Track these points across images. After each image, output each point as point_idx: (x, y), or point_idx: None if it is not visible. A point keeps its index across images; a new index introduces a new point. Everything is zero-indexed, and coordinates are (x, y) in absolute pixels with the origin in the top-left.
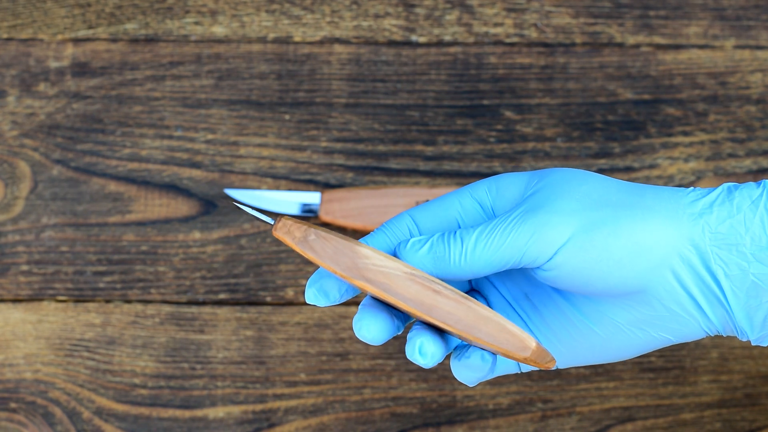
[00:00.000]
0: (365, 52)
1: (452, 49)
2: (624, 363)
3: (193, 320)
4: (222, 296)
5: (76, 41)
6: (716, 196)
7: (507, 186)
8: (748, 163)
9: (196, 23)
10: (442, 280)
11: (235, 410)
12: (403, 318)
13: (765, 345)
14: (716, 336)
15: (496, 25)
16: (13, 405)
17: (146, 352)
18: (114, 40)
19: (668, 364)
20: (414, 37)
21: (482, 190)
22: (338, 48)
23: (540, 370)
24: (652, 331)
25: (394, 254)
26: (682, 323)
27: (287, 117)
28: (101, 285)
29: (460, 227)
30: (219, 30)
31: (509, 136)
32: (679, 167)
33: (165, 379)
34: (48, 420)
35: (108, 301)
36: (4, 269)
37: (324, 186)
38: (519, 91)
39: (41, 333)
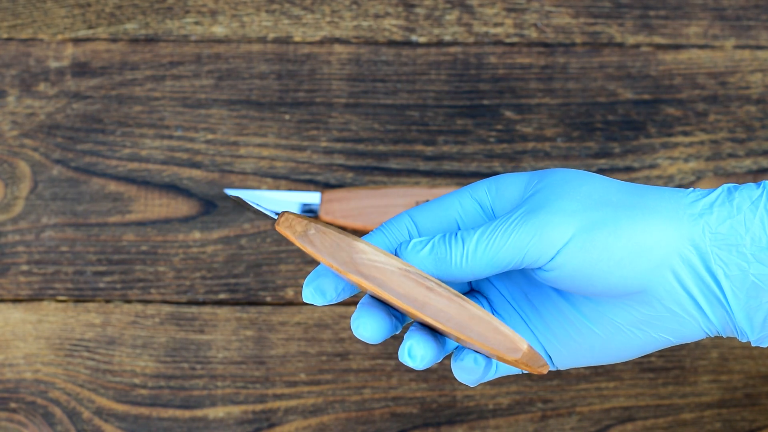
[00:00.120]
0: (365, 52)
1: (452, 49)
2: (624, 363)
3: (193, 320)
4: (222, 296)
5: (76, 41)
6: (716, 197)
7: (507, 186)
8: (748, 163)
9: (196, 23)
10: (443, 281)
11: (235, 410)
12: (401, 318)
13: (765, 346)
14: (716, 337)
15: (496, 25)
16: (13, 405)
17: (146, 352)
18: (114, 40)
19: (668, 364)
20: (414, 37)
21: (482, 191)
22: (338, 48)
23: None
24: (652, 332)
25: (395, 254)
26: (682, 324)
27: (287, 117)
28: (101, 285)
29: (459, 228)
30: (219, 30)
31: (509, 136)
32: (679, 167)
33: (165, 379)
34: (48, 420)
35: (108, 301)
36: (4, 269)
37: (324, 186)
38: (519, 91)
39: (41, 333)
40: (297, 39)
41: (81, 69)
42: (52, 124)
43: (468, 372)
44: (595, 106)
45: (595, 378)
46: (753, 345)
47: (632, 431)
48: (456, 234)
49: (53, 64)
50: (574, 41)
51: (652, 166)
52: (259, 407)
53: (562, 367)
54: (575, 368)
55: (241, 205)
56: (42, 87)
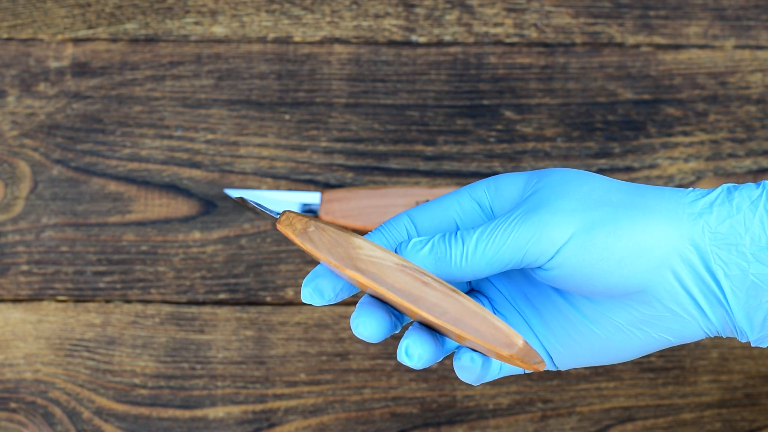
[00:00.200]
0: (365, 52)
1: (452, 49)
2: (624, 363)
3: (193, 320)
4: (222, 296)
5: (76, 41)
6: (716, 197)
7: (506, 186)
8: (748, 163)
9: (196, 23)
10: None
11: (235, 410)
12: (401, 317)
13: (765, 346)
14: (716, 337)
15: (496, 25)
16: (13, 405)
17: (146, 352)
18: (114, 40)
19: (668, 364)
20: (414, 37)
21: (481, 191)
22: (338, 48)
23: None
24: (652, 332)
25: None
26: (681, 323)
27: (287, 117)
28: (101, 285)
29: (458, 228)
30: (219, 30)
31: (509, 136)
32: (679, 167)
33: (165, 379)
34: (48, 420)
35: (108, 301)
36: (4, 269)
37: (324, 186)
38: (519, 91)
39: (41, 333)
40: (297, 39)
41: (81, 69)
42: (52, 124)
43: (466, 371)
44: (595, 106)
45: (595, 378)
46: (753, 345)
47: (632, 431)
48: (456, 233)
49: (53, 64)
50: (574, 41)
51: (652, 166)
52: (259, 407)
53: (562, 368)
54: (575, 368)
55: (244, 206)
56: (42, 87)
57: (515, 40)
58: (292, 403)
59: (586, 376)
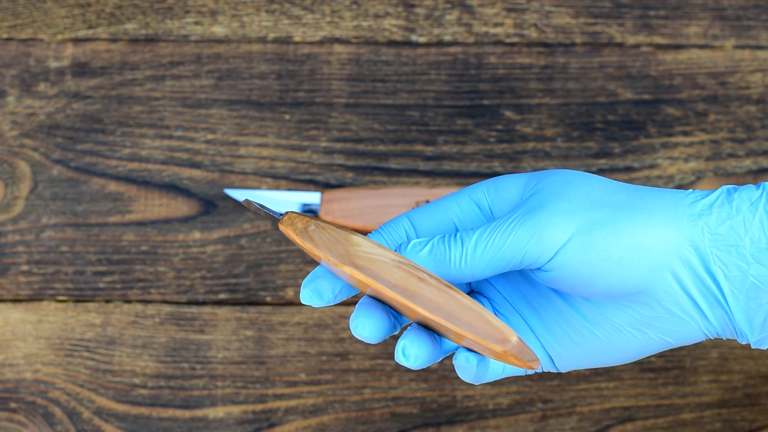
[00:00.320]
0: (365, 52)
1: (452, 49)
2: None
3: (193, 320)
4: (222, 296)
5: (76, 41)
6: (715, 198)
7: (505, 188)
8: (748, 163)
9: (196, 23)
10: None
11: (235, 410)
12: (400, 318)
13: (765, 348)
14: (716, 339)
15: (496, 25)
16: (13, 405)
17: (146, 352)
18: (114, 40)
19: (668, 364)
20: (414, 37)
21: (480, 192)
22: (338, 48)
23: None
24: (652, 333)
25: None
26: (681, 325)
27: (287, 117)
28: (101, 285)
29: (457, 229)
30: (219, 30)
31: (509, 136)
32: (679, 167)
33: (165, 379)
34: (48, 420)
35: (108, 301)
36: (4, 269)
37: (324, 186)
38: (519, 91)
39: (41, 333)
40: (297, 39)
41: (81, 69)
42: (52, 124)
43: (463, 371)
44: (595, 106)
45: (595, 378)
46: (753, 347)
47: (632, 431)
48: (455, 235)
49: (53, 64)
50: (574, 41)
51: (652, 166)
52: (259, 407)
53: (562, 369)
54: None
55: (248, 208)
56: (42, 87)
57: (515, 40)
58: (292, 403)
59: (586, 376)
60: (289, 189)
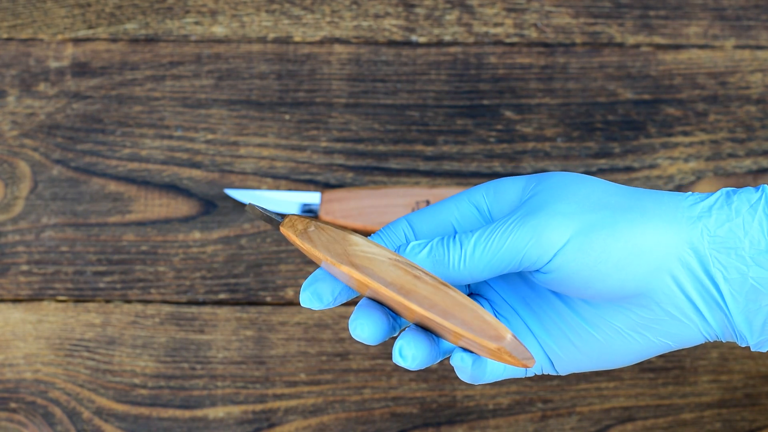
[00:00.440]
0: (365, 52)
1: (452, 49)
2: None
3: (193, 320)
4: (222, 296)
5: (76, 41)
6: (715, 200)
7: (504, 190)
8: (748, 163)
9: (196, 23)
10: None
11: (235, 410)
12: (399, 319)
13: (764, 350)
14: (715, 342)
15: (496, 25)
16: (13, 405)
17: (146, 352)
18: (114, 40)
19: (668, 364)
20: (414, 37)
21: (479, 195)
22: (338, 48)
23: None
24: (651, 336)
25: None
26: (680, 328)
27: (287, 117)
28: (101, 285)
29: (456, 232)
30: (219, 30)
31: (509, 136)
32: (679, 167)
33: (165, 379)
34: (48, 420)
35: (108, 301)
36: (4, 269)
37: (324, 186)
38: (519, 91)
39: (41, 333)
40: (297, 39)
41: (81, 69)
42: (52, 124)
43: (459, 371)
44: (595, 106)
45: (595, 378)
46: (753, 350)
47: (632, 431)
48: (454, 237)
49: (53, 64)
50: (574, 41)
51: (652, 166)
52: (259, 407)
53: (562, 372)
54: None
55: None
56: (42, 87)
57: (515, 40)
58: (292, 403)
59: (586, 376)
60: (289, 189)
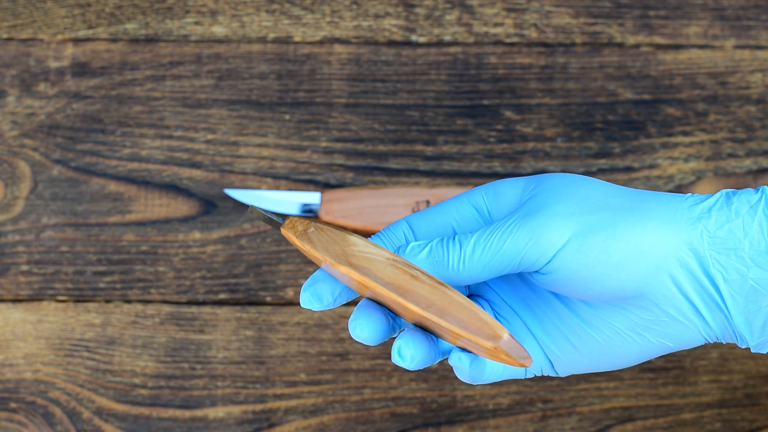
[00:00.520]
0: (365, 52)
1: (452, 49)
2: None
3: (193, 320)
4: (222, 296)
5: (76, 41)
6: (714, 202)
7: (504, 191)
8: (748, 163)
9: (196, 23)
10: None
11: (235, 410)
12: (398, 320)
13: (765, 351)
14: (715, 343)
15: (496, 25)
16: (13, 405)
17: (146, 352)
18: (114, 40)
19: (668, 364)
20: (414, 37)
21: (479, 196)
22: (338, 48)
23: None
24: (651, 337)
25: None
26: (680, 329)
27: (287, 117)
28: (101, 285)
29: (456, 233)
30: (219, 30)
31: (509, 136)
32: (679, 167)
33: (165, 379)
34: (48, 420)
35: (108, 301)
36: (4, 269)
37: (324, 186)
38: (519, 91)
39: (41, 333)
40: (297, 39)
41: (81, 69)
42: (52, 124)
43: (457, 371)
44: (595, 106)
45: (595, 378)
46: (753, 351)
47: (632, 431)
48: (453, 237)
49: (53, 64)
50: (574, 41)
51: (652, 166)
52: (259, 407)
53: (562, 374)
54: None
55: (251, 215)
56: (42, 87)
57: (515, 40)
58: (292, 403)
59: (586, 376)
60: (289, 189)
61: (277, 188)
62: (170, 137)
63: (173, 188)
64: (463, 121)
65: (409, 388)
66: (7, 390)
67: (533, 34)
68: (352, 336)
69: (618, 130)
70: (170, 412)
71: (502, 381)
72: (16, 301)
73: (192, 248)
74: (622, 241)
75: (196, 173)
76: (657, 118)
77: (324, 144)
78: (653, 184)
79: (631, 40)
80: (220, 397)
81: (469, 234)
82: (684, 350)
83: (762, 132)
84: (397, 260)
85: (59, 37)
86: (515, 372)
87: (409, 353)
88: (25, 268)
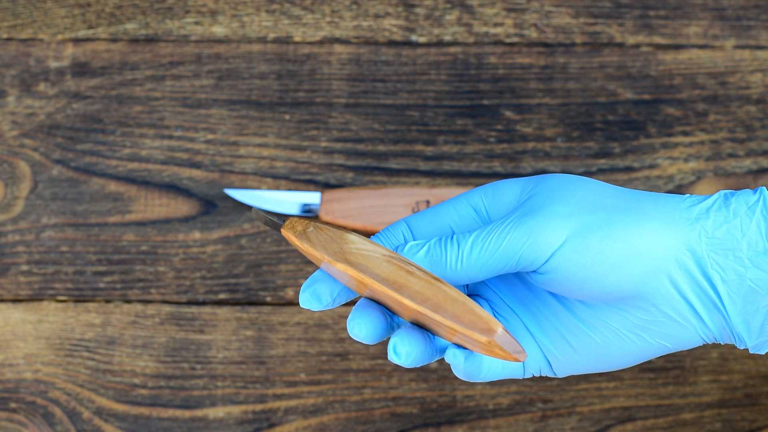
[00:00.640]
0: (365, 52)
1: (452, 49)
2: None
3: (193, 320)
4: (222, 296)
5: (76, 41)
6: (713, 202)
7: (502, 192)
8: (748, 163)
9: (196, 23)
10: None
11: (235, 410)
12: (396, 318)
13: (763, 352)
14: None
15: (496, 25)
16: (13, 405)
17: (146, 352)
18: (114, 40)
19: (668, 364)
20: (414, 37)
21: (478, 197)
22: (338, 48)
23: None
24: (649, 338)
25: None
26: (678, 329)
27: (287, 117)
28: (101, 285)
29: (454, 233)
30: (219, 30)
31: (509, 136)
32: (679, 167)
33: (165, 379)
34: (48, 420)
35: (108, 301)
36: (4, 269)
37: (324, 186)
38: (519, 91)
39: (41, 333)
40: (297, 39)
41: (81, 69)
42: (52, 124)
43: (453, 368)
44: (595, 106)
45: (595, 378)
46: (751, 352)
47: (632, 431)
48: (452, 237)
49: (53, 64)
50: (574, 41)
51: (652, 166)
52: (259, 407)
53: (560, 374)
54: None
55: (254, 217)
56: (42, 87)
57: (515, 40)
58: (292, 403)
59: (586, 376)
60: (289, 189)
61: (277, 188)
62: (170, 137)
63: (173, 188)
64: (463, 121)
65: (409, 388)
66: (7, 390)
67: (533, 34)
68: (350, 335)
69: (618, 130)
70: (170, 412)
71: (502, 381)
72: (16, 301)
73: (192, 248)
74: (619, 242)
75: (196, 173)
76: (657, 118)
77: (324, 144)
78: (653, 184)
79: (631, 40)
80: (220, 397)
81: (467, 233)
82: (684, 350)
83: (762, 132)
84: (393, 257)
85: (59, 37)
86: (513, 371)
87: (404, 350)
88: (25, 268)
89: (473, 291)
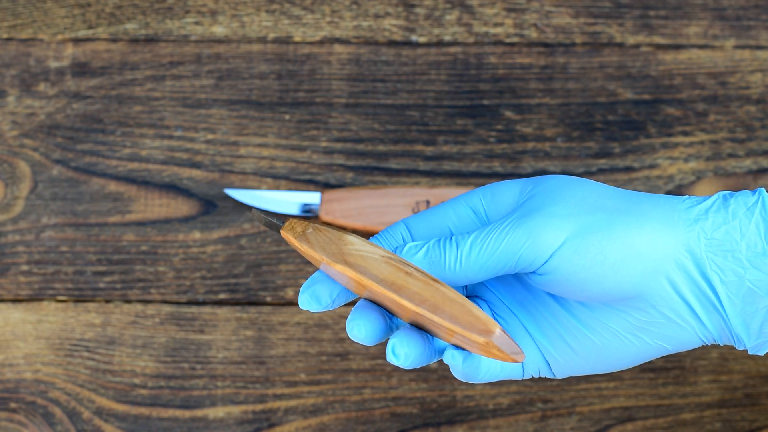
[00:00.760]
0: (365, 52)
1: (452, 49)
2: None
3: (193, 320)
4: (222, 296)
5: (76, 41)
6: (712, 203)
7: (501, 193)
8: (748, 163)
9: (196, 23)
10: None
11: (235, 410)
12: (395, 319)
13: (762, 353)
14: (713, 345)
15: (496, 25)
16: (13, 405)
17: (146, 352)
18: (114, 40)
19: (668, 364)
20: (414, 37)
21: (477, 198)
22: (338, 48)
23: None
24: (648, 339)
25: None
26: (677, 330)
27: (287, 117)
28: (101, 285)
29: (453, 234)
30: (219, 30)
31: (509, 136)
32: (679, 167)
33: (165, 379)
34: (48, 420)
35: (108, 301)
36: (4, 269)
37: (324, 186)
38: (519, 91)
39: (41, 333)
40: (297, 39)
41: (81, 69)
42: (52, 124)
43: (452, 368)
44: (595, 106)
45: (595, 378)
46: (750, 353)
47: (632, 431)
48: (450, 238)
49: (53, 64)
50: (574, 41)
51: (652, 166)
52: (259, 407)
53: (559, 375)
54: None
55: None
56: (42, 87)
57: (515, 40)
58: (292, 403)
59: (586, 376)
60: (289, 189)
61: (277, 188)
62: (170, 137)
63: (173, 188)
64: (463, 121)
65: (409, 388)
66: (7, 390)
67: (533, 34)
68: (349, 336)
69: (618, 130)
70: (170, 412)
71: (502, 381)
72: (16, 301)
73: (192, 248)
74: (618, 242)
75: (196, 173)
76: (657, 118)
77: (324, 144)
78: (653, 184)
79: (631, 40)
80: (220, 397)
81: (466, 234)
82: (683, 351)
83: (762, 132)
84: (392, 258)
85: (59, 37)
86: (512, 372)
87: (403, 351)
88: (25, 268)
89: (472, 292)
